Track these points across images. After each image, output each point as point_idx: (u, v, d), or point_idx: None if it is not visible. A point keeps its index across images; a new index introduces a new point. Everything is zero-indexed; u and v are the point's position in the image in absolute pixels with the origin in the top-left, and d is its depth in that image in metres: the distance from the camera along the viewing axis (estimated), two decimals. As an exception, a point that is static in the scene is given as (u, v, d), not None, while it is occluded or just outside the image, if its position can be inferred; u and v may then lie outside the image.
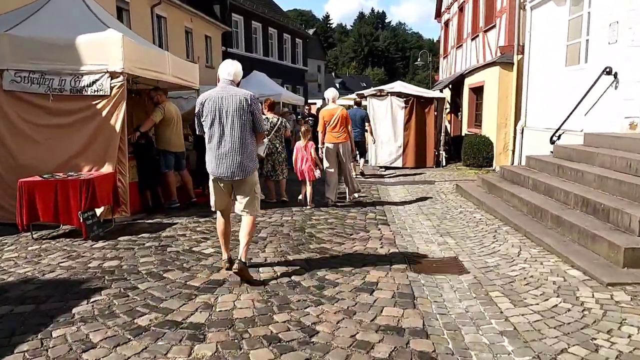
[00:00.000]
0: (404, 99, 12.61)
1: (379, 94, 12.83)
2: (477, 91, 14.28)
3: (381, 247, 5.04)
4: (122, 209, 6.25)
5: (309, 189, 7.16)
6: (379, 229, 5.89)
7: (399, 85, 13.16)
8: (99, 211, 5.69)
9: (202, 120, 3.92)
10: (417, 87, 14.29)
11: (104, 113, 6.09)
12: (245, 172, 3.89)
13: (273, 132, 7.41)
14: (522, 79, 10.85)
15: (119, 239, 5.34)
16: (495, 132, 11.73)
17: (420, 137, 12.71)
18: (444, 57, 20.67)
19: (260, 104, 4.43)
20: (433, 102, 12.76)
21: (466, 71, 14.97)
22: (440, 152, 13.01)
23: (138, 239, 5.33)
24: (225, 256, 4.17)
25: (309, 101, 29.07)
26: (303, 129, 7.46)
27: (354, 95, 14.52)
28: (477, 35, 14.31)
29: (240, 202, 4.02)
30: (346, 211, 7.03)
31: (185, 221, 6.29)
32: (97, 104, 6.07)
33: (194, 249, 4.96)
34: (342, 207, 7.33)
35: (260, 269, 4.29)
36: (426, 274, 4.20)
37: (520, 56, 11.23)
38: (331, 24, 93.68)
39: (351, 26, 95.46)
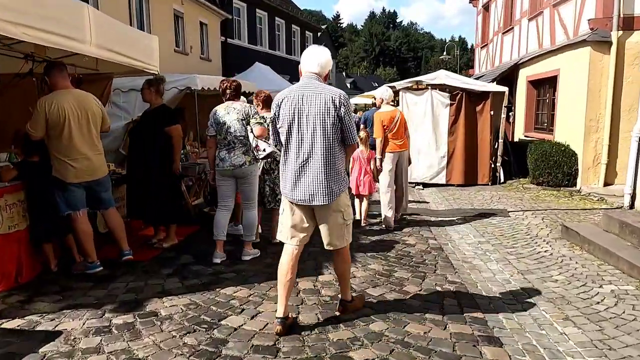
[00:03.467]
0: (449, 93, 9.43)
1: (415, 86, 9.62)
2: (540, 84, 11.03)
3: None
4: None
5: (365, 204, 6.18)
6: (483, 356, 2.68)
7: (443, 76, 9.86)
8: None
9: (278, 126, 3.00)
10: (466, 78, 11.02)
11: None
12: (329, 196, 2.95)
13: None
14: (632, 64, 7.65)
15: None
16: (583, 138, 8.46)
17: (471, 145, 9.48)
18: (482, 47, 17.33)
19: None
20: (488, 97, 9.53)
21: (522, 60, 11.72)
22: (498, 164, 9.76)
23: None
24: (281, 312, 2.86)
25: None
26: (362, 134, 6.18)
27: (376, 92, 11.00)
28: (540, 13, 11.02)
29: (324, 234, 3.08)
30: (399, 285, 3.84)
31: (85, 323, 3.13)
32: None
33: None
34: (386, 271, 4.16)
35: None
36: None
37: (620, 32, 8.03)
38: (341, 23, 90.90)
39: (362, 26, 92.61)
